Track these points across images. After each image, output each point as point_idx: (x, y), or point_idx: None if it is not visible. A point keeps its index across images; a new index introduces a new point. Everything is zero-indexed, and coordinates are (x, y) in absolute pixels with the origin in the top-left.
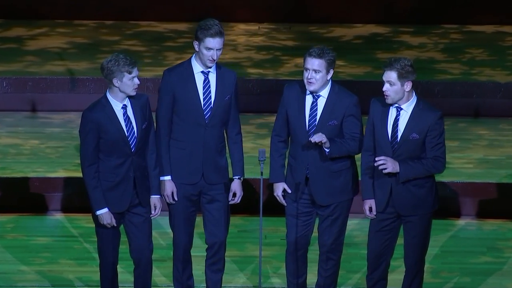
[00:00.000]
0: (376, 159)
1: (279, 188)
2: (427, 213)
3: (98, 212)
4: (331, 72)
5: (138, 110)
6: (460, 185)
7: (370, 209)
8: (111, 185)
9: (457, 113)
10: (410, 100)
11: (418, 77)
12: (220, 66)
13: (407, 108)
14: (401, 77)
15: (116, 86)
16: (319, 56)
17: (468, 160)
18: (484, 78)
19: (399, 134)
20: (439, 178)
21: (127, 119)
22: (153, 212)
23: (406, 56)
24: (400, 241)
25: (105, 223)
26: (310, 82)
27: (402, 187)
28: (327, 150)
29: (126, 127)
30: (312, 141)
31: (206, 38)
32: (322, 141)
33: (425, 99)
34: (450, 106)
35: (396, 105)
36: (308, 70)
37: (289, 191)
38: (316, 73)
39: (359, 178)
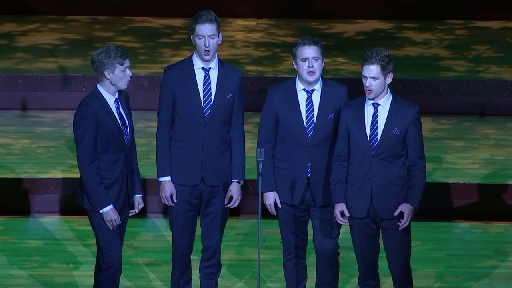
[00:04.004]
0: (401, 225)
1: (271, 198)
2: None
3: (104, 210)
4: (324, 60)
5: (124, 105)
6: (465, 186)
7: (342, 214)
8: (108, 183)
9: (463, 111)
10: (387, 95)
11: (422, 74)
12: (224, 63)
13: (385, 103)
14: (383, 69)
15: (107, 79)
16: (315, 43)
17: (474, 160)
18: (491, 75)
19: (379, 131)
20: (444, 179)
21: (119, 113)
22: (136, 210)
23: (409, 53)
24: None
25: (111, 219)
26: (312, 72)
27: (382, 190)
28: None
29: (120, 121)
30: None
31: (195, 26)
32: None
33: (430, 97)
34: (455, 104)
35: (372, 101)
36: (307, 60)
37: (279, 204)
38: (316, 60)
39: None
